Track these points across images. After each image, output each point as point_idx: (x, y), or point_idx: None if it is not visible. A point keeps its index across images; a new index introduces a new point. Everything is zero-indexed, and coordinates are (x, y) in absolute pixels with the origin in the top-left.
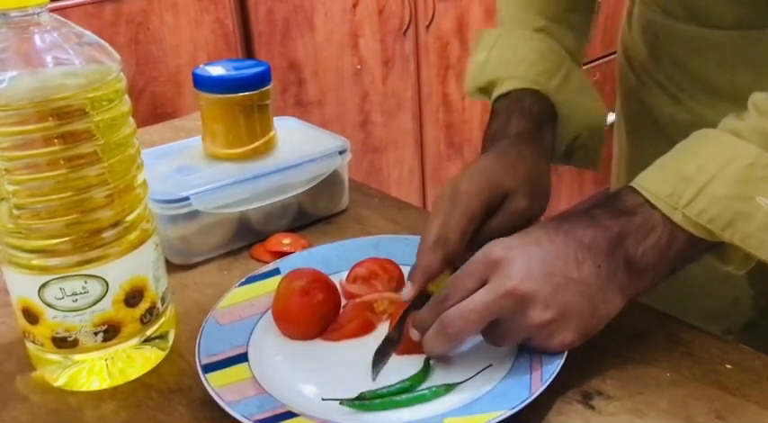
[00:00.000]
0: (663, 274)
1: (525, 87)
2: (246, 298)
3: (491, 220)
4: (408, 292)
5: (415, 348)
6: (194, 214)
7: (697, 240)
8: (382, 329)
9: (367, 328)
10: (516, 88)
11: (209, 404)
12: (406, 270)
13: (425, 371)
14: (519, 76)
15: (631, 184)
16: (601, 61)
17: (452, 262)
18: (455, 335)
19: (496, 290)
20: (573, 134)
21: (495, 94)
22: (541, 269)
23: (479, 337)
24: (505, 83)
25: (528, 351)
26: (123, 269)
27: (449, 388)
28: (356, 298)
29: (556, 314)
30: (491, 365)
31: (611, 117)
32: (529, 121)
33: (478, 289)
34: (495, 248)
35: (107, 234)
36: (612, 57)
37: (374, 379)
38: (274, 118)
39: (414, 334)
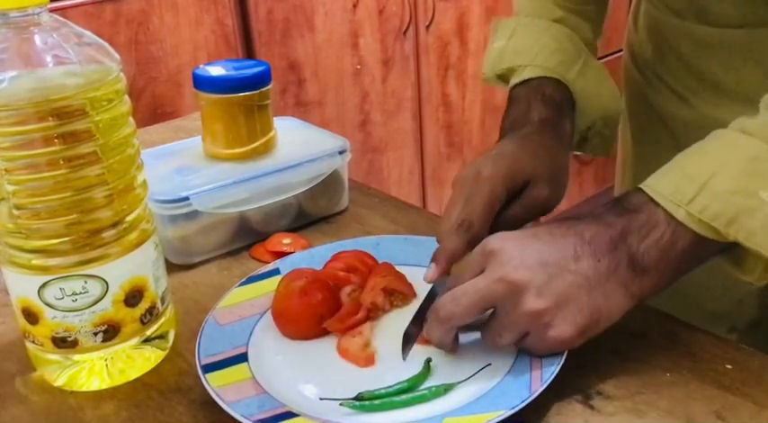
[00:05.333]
0: (668, 273)
1: (545, 76)
2: (246, 298)
3: (510, 206)
4: (432, 273)
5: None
6: (194, 214)
7: (703, 240)
8: (381, 323)
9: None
10: (536, 76)
11: (209, 404)
12: (400, 269)
13: (425, 372)
14: (539, 65)
15: (639, 185)
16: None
17: (474, 244)
18: (446, 319)
19: (489, 276)
20: (588, 123)
21: (514, 80)
22: (536, 259)
23: (479, 337)
24: (525, 70)
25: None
26: (123, 269)
27: (448, 388)
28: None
29: (550, 303)
30: (490, 364)
31: None
32: (550, 109)
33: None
34: (492, 240)
35: (107, 234)
36: (612, 57)
37: (404, 359)
38: (274, 118)
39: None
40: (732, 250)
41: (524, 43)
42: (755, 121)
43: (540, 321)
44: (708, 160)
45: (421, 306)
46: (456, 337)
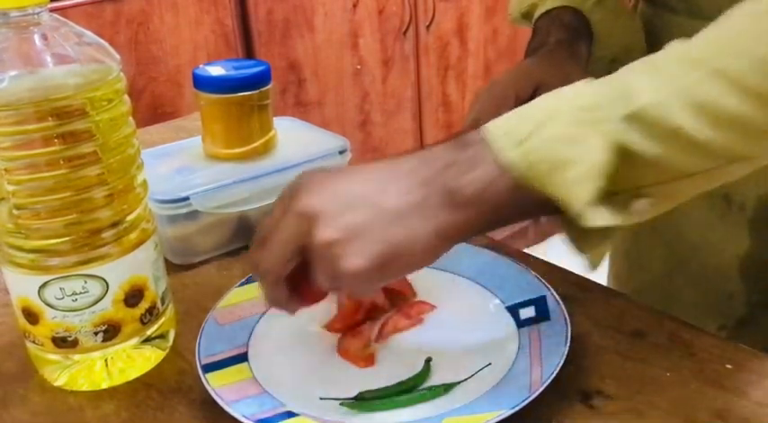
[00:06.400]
0: (483, 214)
1: (564, 5)
2: (246, 298)
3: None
4: None
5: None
6: (194, 214)
7: (521, 187)
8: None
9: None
10: (556, 6)
11: (209, 404)
12: None
13: (425, 371)
14: None
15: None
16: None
17: None
18: (269, 270)
19: (291, 212)
20: (610, 56)
21: (537, 13)
22: (333, 190)
23: (479, 337)
24: (546, 3)
25: (528, 351)
26: (123, 269)
27: (448, 388)
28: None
29: (341, 233)
30: (490, 364)
31: None
32: (566, 33)
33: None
34: (301, 177)
35: (107, 234)
36: None
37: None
38: (274, 118)
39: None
40: (570, 225)
41: None
42: (669, 51)
43: (331, 252)
44: (548, 103)
45: None
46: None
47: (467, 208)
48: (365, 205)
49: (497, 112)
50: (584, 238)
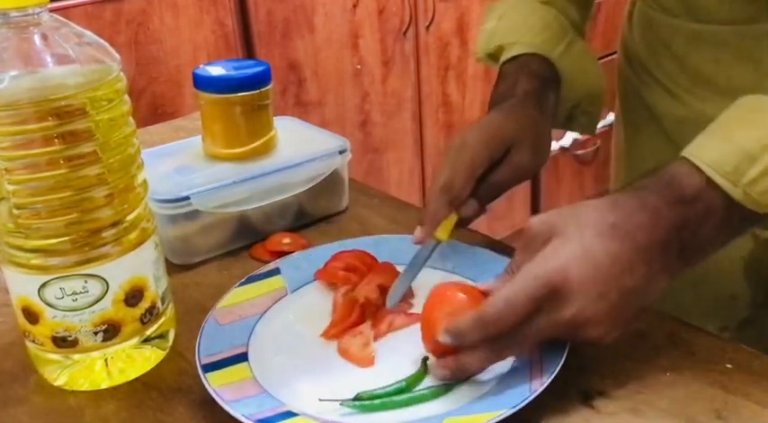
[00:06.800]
0: (713, 251)
1: (531, 52)
2: (246, 298)
3: (495, 170)
4: (418, 235)
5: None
6: (194, 214)
7: (751, 215)
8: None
9: (360, 319)
10: (523, 53)
11: (209, 404)
12: (400, 268)
13: (422, 371)
14: (526, 43)
15: (688, 157)
16: (600, 61)
17: (457, 206)
18: (506, 357)
19: (556, 321)
20: (574, 101)
21: (504, 58)
22: (596, 290)
23: None
24: (513, 48)
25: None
26: (123, 269)
27: (448, 388)
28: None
29: (608, 327)
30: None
31: (611, 117)
32: (535, 82)
33: (532, 312)
34: (550, 269)
35: (107, 233)
36: (611, 58)
37: (388, 305)
38: (274, 118)
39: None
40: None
41: (513, 23)
42: None
43: (589, 337)
44: (761, 133)
45: (414, 257)
46: None
47: (700, 253)
48: (621, 295)
49: (472, 174)
50: None
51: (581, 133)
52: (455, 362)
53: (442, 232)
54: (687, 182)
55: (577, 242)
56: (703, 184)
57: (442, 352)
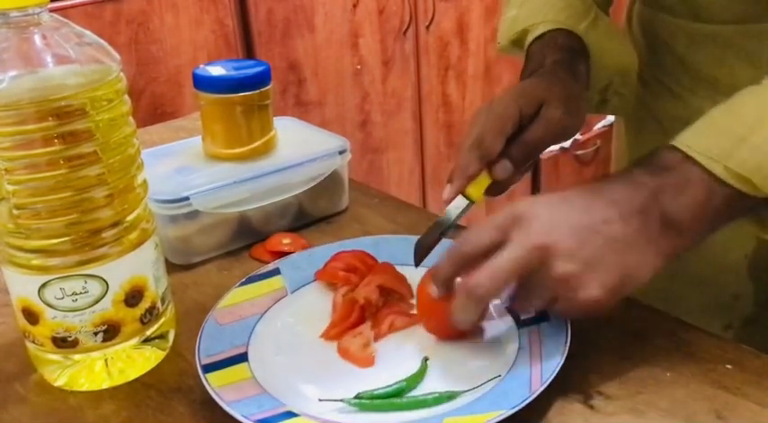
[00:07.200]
0: (701, 231)
1: (557, 28)
2: (246, 298)
3: (528, 128)
4: (448, 192)
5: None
6: (194, 214)
7: (736, 196)
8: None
9: (360, 320)
10: (549, 30)
11: (209, 404)
12: (400, 269)
13: (422, 370)
14: (550, 20)
15: (671, 142)
16: None
17: (489, 163)
18: (484, 296)
19: (522, 245)
20: (605, 81)
21: (529, 39)
22: (566, 223)
23: (479, 343)
24: (538, 28)
25: (528, 351)
26: (123, 269)
27: (452, 396)
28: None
29: (580, 266)
30: (490, 365)
31: (611, 117)
32: (563, 53)
33: (497, 242)
34: (519, 204)
35: (107, 234)
36: None
37: (416, 266)
38: (274, 118)
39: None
40: (759, 209)
41: (535, 6)
42: None
43: (569, 285)
44: (743, 115)
45: (440, 219)
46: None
47: (686, 228)
48: (596, 237)
49: (502, 129)
50: None
51: (615, 114)
52: (463, 285)
53: (474, 190)
54: (666, 155)
55: (552, 194)
56: (680, 156)
57: (443, 333)
